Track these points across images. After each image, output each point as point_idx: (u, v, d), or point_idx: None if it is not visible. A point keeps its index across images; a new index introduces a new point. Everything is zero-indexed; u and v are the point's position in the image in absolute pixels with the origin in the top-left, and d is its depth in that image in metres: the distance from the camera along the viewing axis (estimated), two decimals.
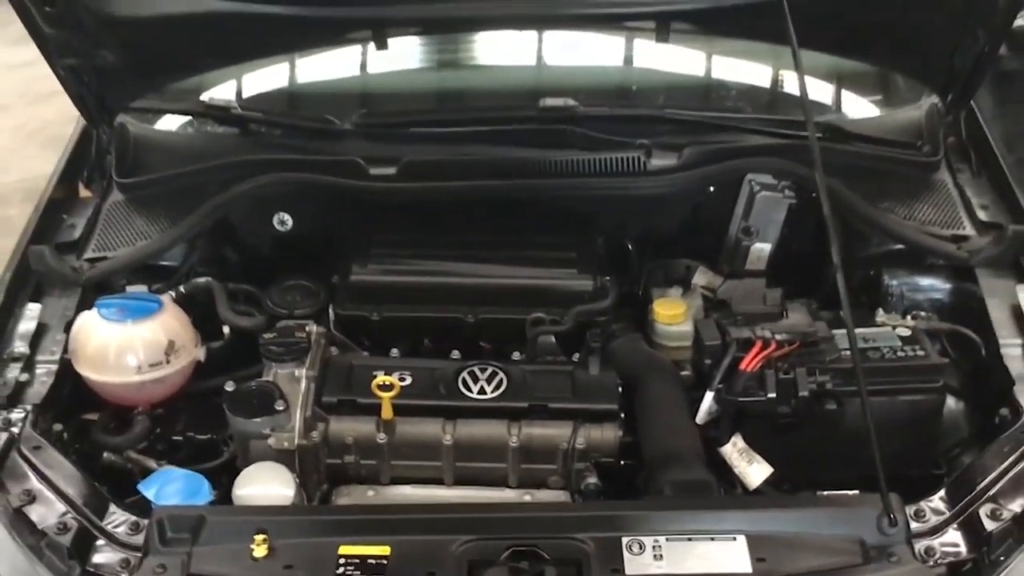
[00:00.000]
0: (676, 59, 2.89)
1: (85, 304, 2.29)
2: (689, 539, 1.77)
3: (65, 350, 2.20)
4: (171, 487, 1.97)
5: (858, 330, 2.06)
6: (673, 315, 2.34)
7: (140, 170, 2.60)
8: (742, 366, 2.10)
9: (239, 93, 2.85)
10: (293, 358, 2.17)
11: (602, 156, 2.47)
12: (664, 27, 2.50)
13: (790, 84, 2.86)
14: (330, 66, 2.93)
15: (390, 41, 2.57)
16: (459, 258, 2.42)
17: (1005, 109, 3.24)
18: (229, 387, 2.14)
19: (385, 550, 1.76)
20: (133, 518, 1.87)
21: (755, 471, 2.11)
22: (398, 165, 2.47)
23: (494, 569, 1.73)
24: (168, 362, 2.19)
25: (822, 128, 2.51)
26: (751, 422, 2.14)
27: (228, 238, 2.57)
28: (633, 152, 2.48)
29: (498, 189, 2.48)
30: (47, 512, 1.86)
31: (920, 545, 1.79)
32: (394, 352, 2.29)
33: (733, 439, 2.14)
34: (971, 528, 1.81)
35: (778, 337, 2.12)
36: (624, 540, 1.77)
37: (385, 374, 2.12)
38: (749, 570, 1.73)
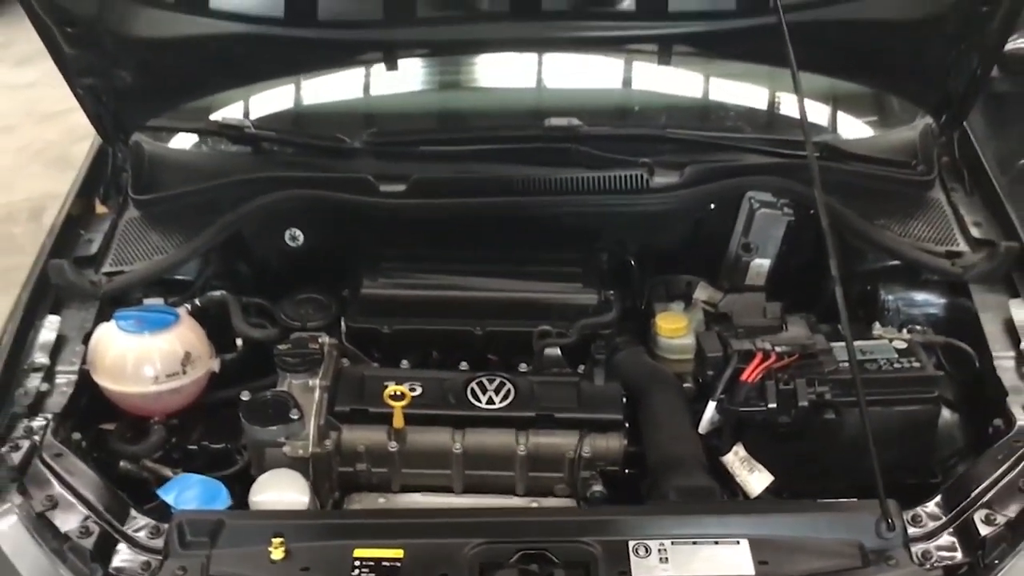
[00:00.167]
0: (677, 81, 2.94)
1: (103, 316, 2.33)
2: (694, 542, 1.82)
3: (84, 361, 2.24)
4: (190, 492, 2.02)
5: (856, 343, 2.10)
6: (675, 329, 2.40)
7: (155, 187, 2.64)
8: (743, 377, 2.14)
9: (246, 112, 2.90)
10: (307, 369, 2.22)
11: (606, 174, 2.53)
12: (666, 50, 2.55)
13: (788, 105, 2.92)
14: (340, 86, 2.98)
15: (399, 62, 2.63)
16: (467, 272, 2.47)
17: (997, 130, 3.29)
18: (245, 396, 2.18)
19: (399, 553, 1.81)
20: (153, 522, 1.91)
21: (756, 479, 2.14)
22: (407, 182, 2.52)
23: (504, 571, 1.78)
24: (184, 373, 2.23)
25: (820, 148, 2.55)
26: (752, 431, 2.17)
27: (241, 253, 2.62)
28: (636, 170, 2.53)
29: (505, 206, 2.54)
30: (69, 517, 1.90)
31: (917, 549, 1.84)
32: (404, 364, 2.34)
33: (735, 448, 2.18)
34: (966, 533, 1.86)
35: (778, 349, 2.16)
36: (631, 544, 1.81)
37: (396, 384, 2.17)
38: (752, 572, 1.78)
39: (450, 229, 2.55)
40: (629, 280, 2.59)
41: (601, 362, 2.25)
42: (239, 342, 2.40)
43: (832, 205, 2.34)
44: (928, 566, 1.82)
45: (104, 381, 2.23)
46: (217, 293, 2.45)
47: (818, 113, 2.91)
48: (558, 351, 2.33)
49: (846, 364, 2.10)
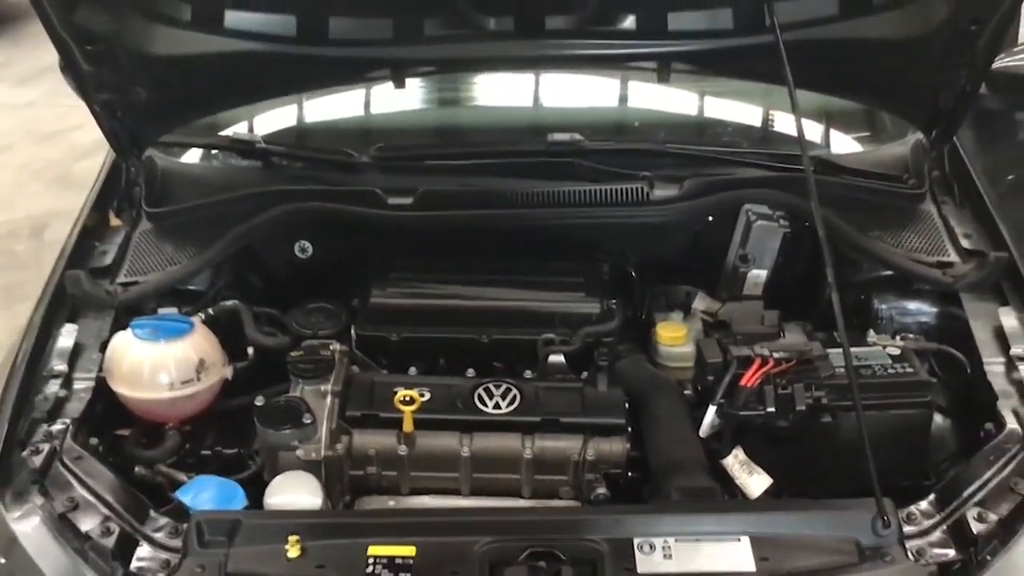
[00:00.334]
0: (677, 98, 3.01)
1: (118, 325, 2.38)
2: (697, 540, 1.87)
3: (101, 368, 2.29)
4: (207, 494, 2.06)
5: (851, 349, 2.13)
6: (675, 337, 2.46)
7: (167, 200, 2.70)
8: (742, 382, 2.18)
9: (251, 127, 2.96)
10: (318, 375, 2.26)
11: (607, 187, 2.60)
12: (665, 67, 2.59)
13: (783, 121, 2.98)
14: (348, 103, 3.05)
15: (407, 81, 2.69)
16: (473, 282, 2.52)
17: (986, 145, 3.35)
18: (259, 402, 2.22)
19: (411, 551, 1.85)
20: (172, 522, 1.96)
21: (755, 482, 2.17)
22: (414, 196, 2.58)
23: (514, 568, 1.81)
24: (199, 379, 2.28)
25: (815, 162, 2.57)
26: (751, 435, 2.21)
27: (252, 264, 2.67)
28: (636, 183, 2.60)
29: (509, 218, 2.60)
30: (90, 517, 1.93)
31: (912, 546, 1.88)
32: (412, 370, 2.38)
33: (734, 452, 2.21)
34: (959, 530, 1.90)
35: (776, 355, 2.19)
36: (636, 541, 1.85)
37: (406, 389, 2.22)
38: (753, 568, 1.82)
39: (456, 240, 2.60)
40: (630, 290, 2.64)
41: (604, 368, 2.30)
42: (250, 350, 2.45)
43: (827, 217, 2.37)
44: (923, 562, 1.86)
45: (121, 388, 2.27)
46: (229, 303, 2.50)
47: (812, 129, 2.98)
48: (562, 358, 2.38)
49: (842, 370, 2.13)
